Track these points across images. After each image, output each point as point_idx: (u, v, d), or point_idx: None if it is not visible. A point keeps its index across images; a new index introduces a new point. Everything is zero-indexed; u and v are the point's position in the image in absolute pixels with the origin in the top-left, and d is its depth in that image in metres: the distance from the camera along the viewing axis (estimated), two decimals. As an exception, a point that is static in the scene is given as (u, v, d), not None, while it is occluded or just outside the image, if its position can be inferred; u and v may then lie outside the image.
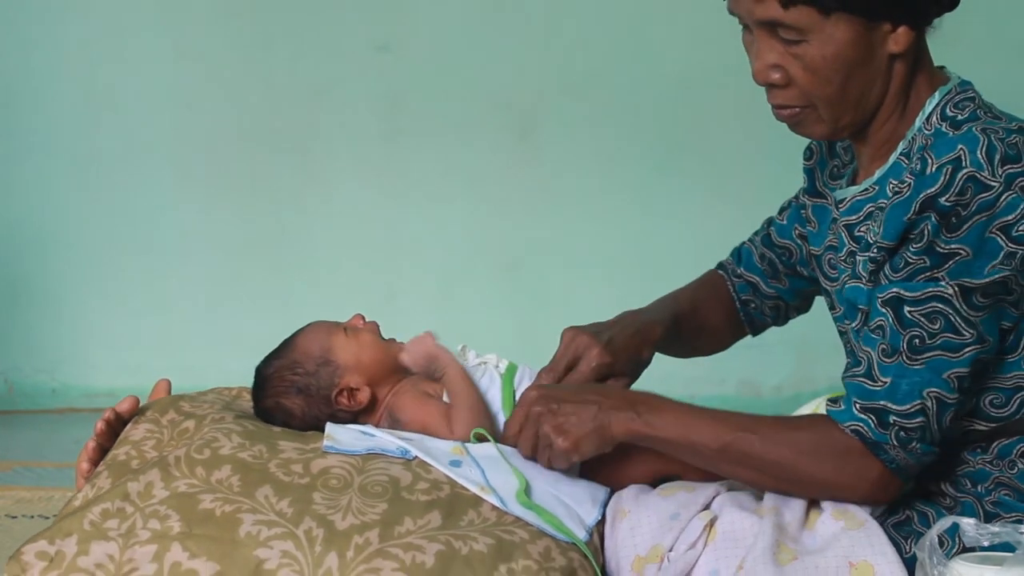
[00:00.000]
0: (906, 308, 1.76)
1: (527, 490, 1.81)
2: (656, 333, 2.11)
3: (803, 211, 2.10)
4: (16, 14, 4.04)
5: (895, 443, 1.76)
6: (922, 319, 1.76)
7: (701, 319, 2.21)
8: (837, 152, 2.03)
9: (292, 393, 2.00)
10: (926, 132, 1.83)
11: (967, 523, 1.66)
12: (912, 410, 1.75)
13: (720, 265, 2.27)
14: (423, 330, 2.06)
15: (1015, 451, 1.85)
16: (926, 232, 1.75)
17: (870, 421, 1.77)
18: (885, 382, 1.77)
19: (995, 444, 1.86)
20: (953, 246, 1.74)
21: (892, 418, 1.76)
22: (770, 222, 2.21)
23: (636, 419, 1.84)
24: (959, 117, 1.81)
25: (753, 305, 2.23)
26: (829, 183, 2.02)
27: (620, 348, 2.04)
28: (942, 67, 1.90)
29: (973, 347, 1.76)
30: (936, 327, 1.75)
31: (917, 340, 1.76)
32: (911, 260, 1.77)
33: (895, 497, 1.82)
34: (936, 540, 1.64)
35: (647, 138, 3.99)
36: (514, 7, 3.99)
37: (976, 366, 1.78)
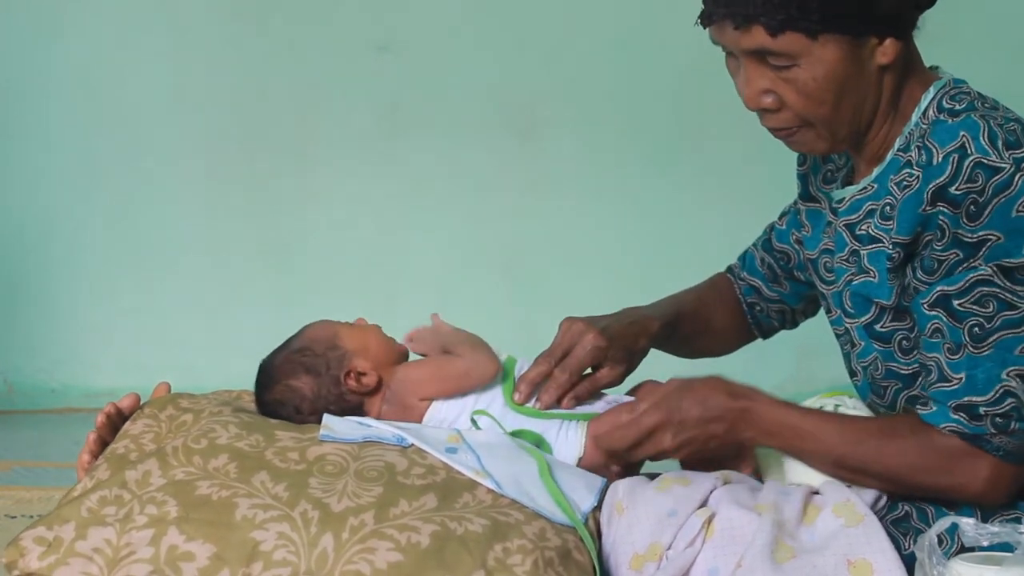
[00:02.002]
0: (955, 302, 1.76)
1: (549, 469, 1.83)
2: (654, 327, 2.11)
3: (799, 216, 2.11)
4: (17, 14, 4.05)
5: (994, 430, 1.75)
6: (974, 307, 1.75)
7: (705, 319, 2.22)
8: (831, 156, 2.04)
9: (301, 373, 2.00)
10: (923, 125, 1.83)
11: (966, 523, 1.66)
12: (997, 395, 1.75)
13: (728, 268, 2.28)
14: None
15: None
16: (945, 227, 1.75)
17: (962, 419, 1.76)
18: (960, 378, 1.76)
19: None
20: (981, 233, 1.74)
21: (982, 409, 1.75)
22: (771, 227, 2.21)
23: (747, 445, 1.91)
24: (957, 107, 1.82)
25: (759, 308, 2.24)
26: (823, 187, 2.03)
27: (616, 335, 2.04)
28: (935, 67, 1.91)
29: None
30: (990, 310, 1.75)
31: (977, 328, 1.75)
32: (943, 257, 1.77)
33: (1013, 488, 1.80)
34: (935, 540, 1.63)
35: (646, 138, 4.00)
36: (513, 7, 3.99)
37: None
